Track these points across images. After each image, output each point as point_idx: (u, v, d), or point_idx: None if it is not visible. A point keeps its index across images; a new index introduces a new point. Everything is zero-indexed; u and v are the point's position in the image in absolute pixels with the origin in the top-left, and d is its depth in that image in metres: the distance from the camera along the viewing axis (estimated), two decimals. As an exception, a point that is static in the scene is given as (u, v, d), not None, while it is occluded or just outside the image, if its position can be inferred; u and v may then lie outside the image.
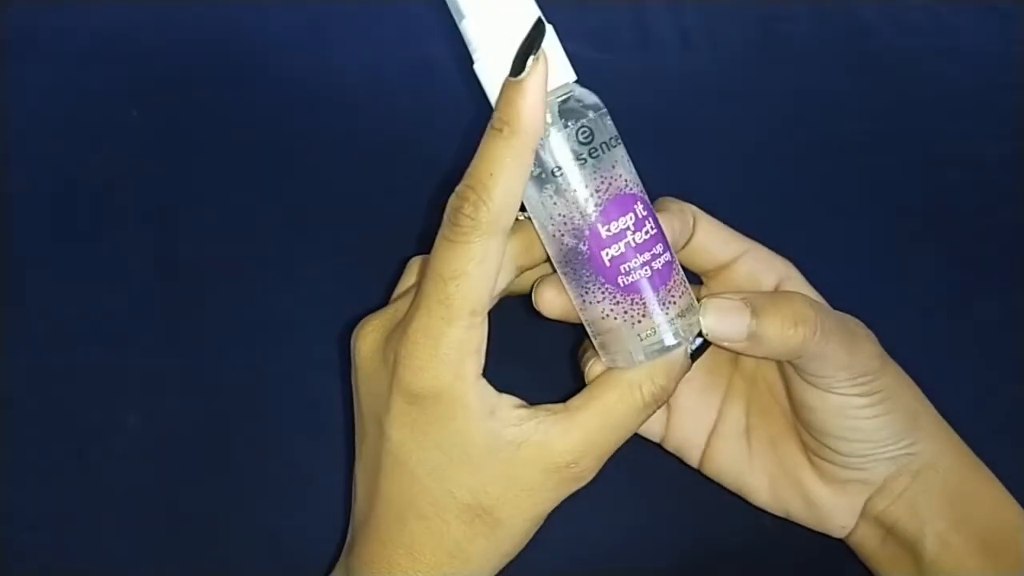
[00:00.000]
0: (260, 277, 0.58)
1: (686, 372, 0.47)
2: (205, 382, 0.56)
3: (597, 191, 0.44)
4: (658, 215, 0.48)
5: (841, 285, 0.51)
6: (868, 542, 0.50)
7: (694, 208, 0.52)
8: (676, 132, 0.62)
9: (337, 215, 0.61)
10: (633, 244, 0.44)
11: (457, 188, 0.43)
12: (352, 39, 0.66)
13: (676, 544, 0.54)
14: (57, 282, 0.57)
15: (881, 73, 0.60)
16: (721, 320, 0.46)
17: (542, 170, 0.44)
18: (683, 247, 0.51)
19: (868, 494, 0.49)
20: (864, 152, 0.58)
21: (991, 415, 0.54)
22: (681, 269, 0.47)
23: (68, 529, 0.51)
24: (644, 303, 0.45)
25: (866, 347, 0.49)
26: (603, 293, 0.45)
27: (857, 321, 0.51)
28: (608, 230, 0.44)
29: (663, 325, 0.45)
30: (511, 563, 0.46)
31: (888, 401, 0.47)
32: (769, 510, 0.52)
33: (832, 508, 0.50)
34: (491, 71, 0.43)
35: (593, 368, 0.47)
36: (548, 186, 0.44)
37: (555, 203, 0.44)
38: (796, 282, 0.52)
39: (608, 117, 0.45)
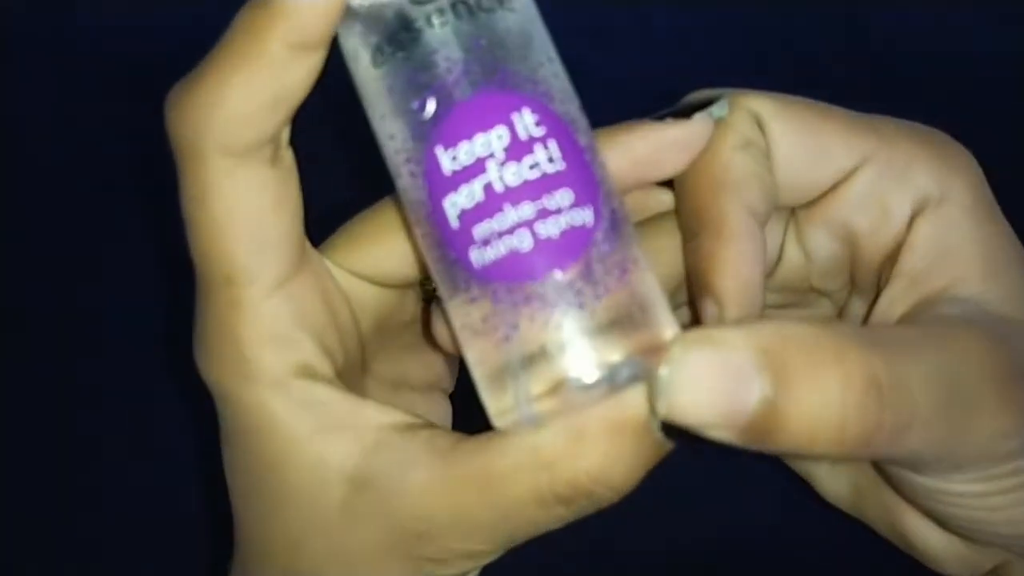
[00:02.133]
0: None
1: (654, 457, 0.26)
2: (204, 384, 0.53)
3: (441, 83, 0.24)
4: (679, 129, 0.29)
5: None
6: None
7: (757, 99, 0.30)
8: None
9: (341, 215, 0.56)
10: (500, 187, 0.24)
11: None
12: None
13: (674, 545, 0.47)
14: (55, 283, 0.55)
15: (882, 73, 0.58)
16: (699, 388, 0.24)
17: (357, 53, 0.26)
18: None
19: (1002, 559, 0.32)
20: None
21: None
22: (628, 238, 0.25)
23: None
24: (520, 301, 0.24)
25: (988, 425, 0.26)
26: (456, 281, 0.25)
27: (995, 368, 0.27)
28: (454, 157, 0.24)
29: (566, 346, 0.24)
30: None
31: None
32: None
33: (942, 558, 0.33)
34: None
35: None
36: (370, 73, 0.26)
37: (383, 114, 0.26)
38: (951, 212, 0.30)
39: None
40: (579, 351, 0.24)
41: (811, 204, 0.32)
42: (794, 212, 0.33)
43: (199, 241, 0.28)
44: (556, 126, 0.25)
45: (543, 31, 0.26)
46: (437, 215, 0.25)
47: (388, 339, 0.34)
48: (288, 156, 0.28)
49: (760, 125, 0.30)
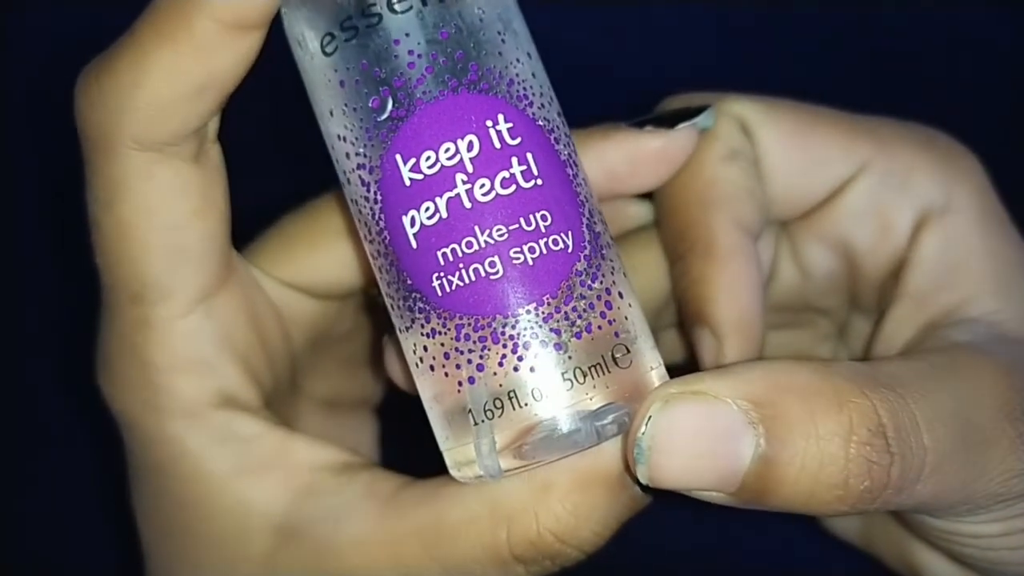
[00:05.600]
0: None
1: (628, 512, 0.23)
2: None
3: (402, 79, 0.21)
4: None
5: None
6: None
7: (743, 105, 0.28)
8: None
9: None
10: (468, 204, 0.21)
11: None
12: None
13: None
14: (55, 283, 0.50)
15: (882, 73, 0.54)
16: (684, 449, 0.21)
17: (303, 36, 0.22)
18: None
19: None
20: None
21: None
22: (612, 265, 0.22)
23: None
24: (488, 338, 0.21)
25: (1003, 463, 0.24)
26: (412, 310, 0.22)
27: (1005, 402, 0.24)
28: (415, 167, 0.21)
29: (539, 391, 0.21)
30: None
31: None
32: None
33: None
34: None
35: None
36: (317, 60, 0.22)
37: (332, 110, 0.22)
38: (958, 223, 0.27)
39: None
40: (554, 397, 0.21)
41: (805, 217, 0.29)
42: (786, 225, 0.30)
43: (105, 250, 0.24)
44: (534, 135, 0.21)
45: (522, 24, 0.23)
46: (393, 233, 0.21)
47: (323, 354, 0.30)
48: (215, 152, 0.25)
49: (747, 132, 0.28)
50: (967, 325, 0.27)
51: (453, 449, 0.22)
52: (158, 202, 0.24)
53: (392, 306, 0.23)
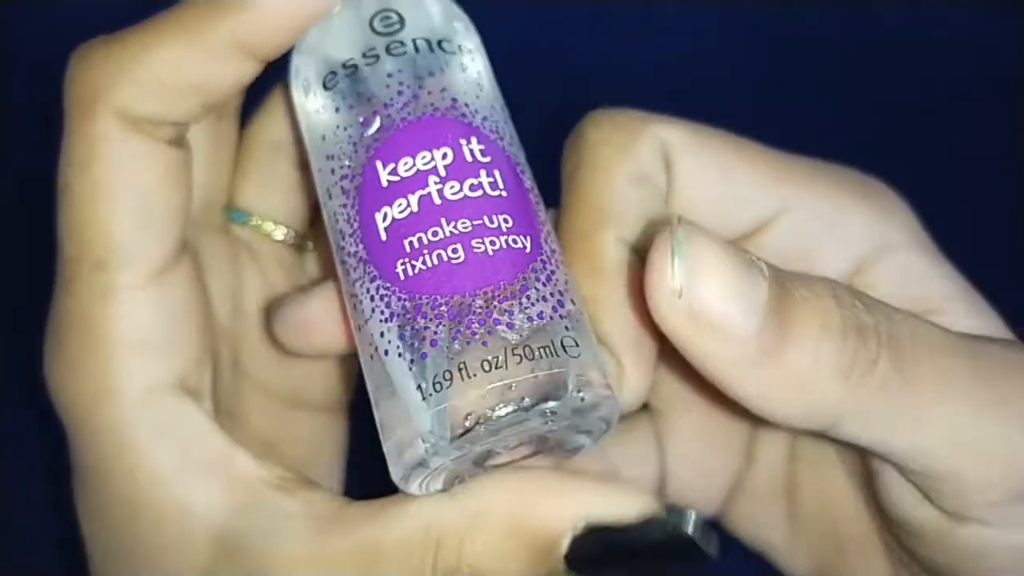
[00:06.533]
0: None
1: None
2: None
3: (392, 103, 0.24)
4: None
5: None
6: None
7: (669, 129, 0.27)
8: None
9: None
10: (438, 201, 0.23)
11: None
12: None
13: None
14: (34, 284, 0.52)
15: (882, 73, 0.57)
16: (713, 263, 0.22)
17: (308, 78, 0.25)
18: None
19: None
20: (866, 150, 0.51)
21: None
22: (567, 282, 0.24)
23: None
24: (445, 315, 0.22)
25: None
26: (373, 300, 0.23)
27: None
28: (393, 171, 0.23)
29: (489, 368, 0.22)
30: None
31: None
32: None
33: None
34: None
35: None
36: (318, 97, 0.25)
37: (324, 134, 0.25)
38: (906, 257, 0.28)
39: (462, 24, 0.26)
40: (504, 370, 0.22)
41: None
42: None
43: (75, 215, 0.25)
44: (502, 159, 0.24)
45: (499, 92, 0.26)
46: (365, 231, 0.23)
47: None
48: (186, 148, 0.26)
49: (668, 157, 0.28)
50: None
51: (398, 433, 0.23)
52: (131, 166, 0.25)
53: (355, 305, 0.24)
